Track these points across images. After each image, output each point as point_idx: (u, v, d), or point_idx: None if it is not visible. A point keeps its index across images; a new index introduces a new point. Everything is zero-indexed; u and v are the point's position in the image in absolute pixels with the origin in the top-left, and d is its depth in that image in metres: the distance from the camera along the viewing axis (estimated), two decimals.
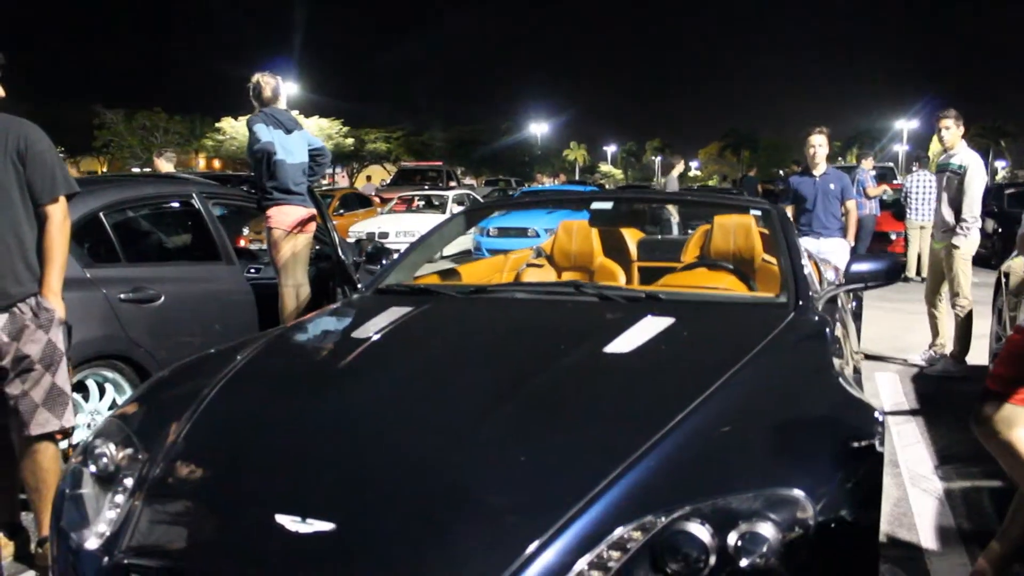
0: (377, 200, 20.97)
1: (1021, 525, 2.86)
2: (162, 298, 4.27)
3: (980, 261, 13.30)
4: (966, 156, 6.15)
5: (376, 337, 2.84)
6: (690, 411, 2.04)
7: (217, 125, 43.53)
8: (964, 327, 6.22)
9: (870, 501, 1.88)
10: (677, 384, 2.31)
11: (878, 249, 12.86)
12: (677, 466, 1.85)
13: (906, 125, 65.71)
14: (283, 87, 5.31)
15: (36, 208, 2.96)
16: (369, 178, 45.92)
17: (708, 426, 2.00)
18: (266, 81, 5.20)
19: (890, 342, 7.12)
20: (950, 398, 5.56)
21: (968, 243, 6.13)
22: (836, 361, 2.47)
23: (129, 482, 2.07)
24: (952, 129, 6.22)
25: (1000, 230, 13.68)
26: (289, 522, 1.80)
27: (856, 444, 1.94)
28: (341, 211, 17.91)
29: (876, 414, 2.05)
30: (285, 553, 1.76)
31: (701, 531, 1.68)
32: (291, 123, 5.25)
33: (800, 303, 2.97)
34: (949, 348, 6.40)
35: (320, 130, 44.02)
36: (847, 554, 1.80)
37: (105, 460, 2.16)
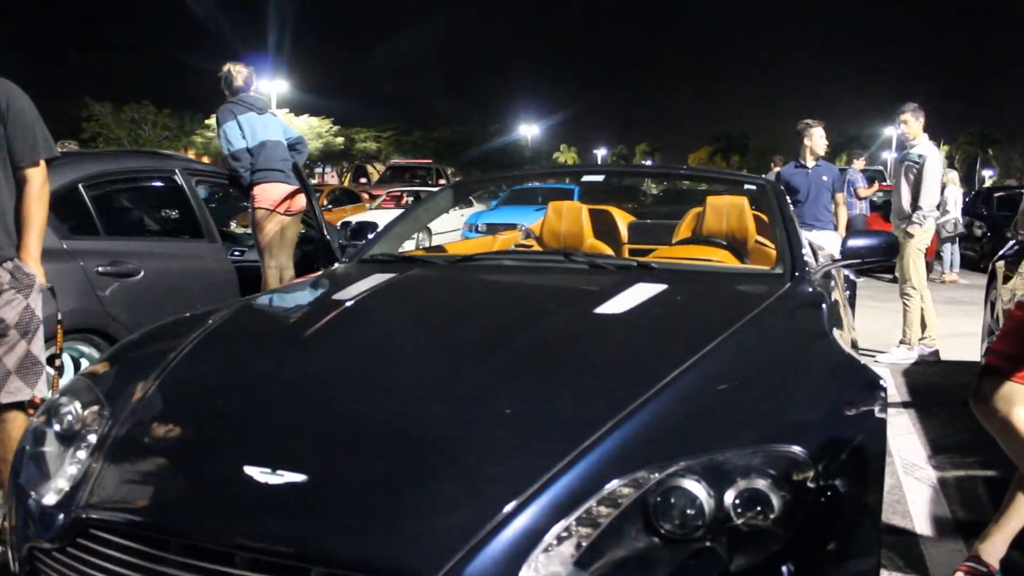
0: (365, 196, 20.95)
1: (1018, 509, 2.79)
2: (141, 273, 4.17)
3: (969, 264, 13.44)
4: (925, 147, 6.36)
5: (357, 299, 2.74)
6: (685, 368, 1.94)
7: (207, 122, 43.05)
8: (912, 315, 6.41)
9: (873, 465, 1.77)
10: (671, 343, 2.22)
11: None
12: (672, 422, 1.75)
13: (895, 132, 65.78)
14: (254, 77, 5.32)
15: (15, 171, 2.87)
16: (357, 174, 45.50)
17: (705, 383, 1.91)
18: (237, 71, 5.22)
19: (881, 338, 7.07)
20: (942, 391, 5.53)
21: (922, 233, 6.32)
22: (835, 330, 2.39)
23: (92, 438, 1.97)
24: (911, 122, 6.40)
25: (989, 234, 13.72)
26: (258, 473, 1.70)
27: (859, 407, 1.86)
28: (330, 206, 17.92)
29: (880, 381, 1.97)
30: (252, 504, 1.66)
31: (697, 488, 1.57)
32: (263, 105, 5.28)
33: (796, 274, 2.89)
34: (933, 337, 6.51)
35: (310, 128, 43.79)
36: (850, 518, 1.70)
37: (70, 418, 2.05)
